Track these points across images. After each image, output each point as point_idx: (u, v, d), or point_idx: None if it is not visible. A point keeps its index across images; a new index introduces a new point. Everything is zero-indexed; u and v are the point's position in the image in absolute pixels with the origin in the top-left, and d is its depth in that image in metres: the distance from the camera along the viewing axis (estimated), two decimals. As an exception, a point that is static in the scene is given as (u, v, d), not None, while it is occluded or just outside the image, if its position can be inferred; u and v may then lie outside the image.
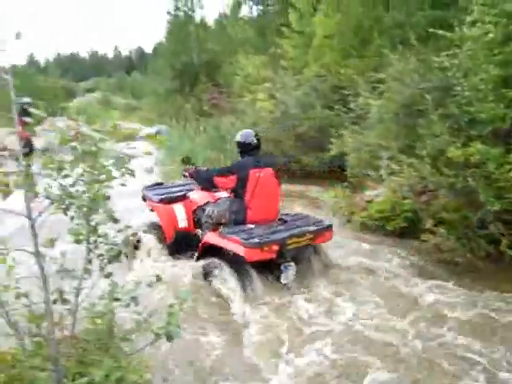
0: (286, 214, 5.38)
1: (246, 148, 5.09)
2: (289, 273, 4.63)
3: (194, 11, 24.42)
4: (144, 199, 6.11)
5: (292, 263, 4.67)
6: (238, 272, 4.53)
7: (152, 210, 5.98)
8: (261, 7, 24.32)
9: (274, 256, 4.45)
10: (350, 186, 7.39)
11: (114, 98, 45.20)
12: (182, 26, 23.88)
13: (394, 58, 7.36)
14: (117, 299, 1.84)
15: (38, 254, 1.81)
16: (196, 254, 5.11)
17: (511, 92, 4.87)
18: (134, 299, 1.84)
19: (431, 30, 5.95)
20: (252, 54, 16.33)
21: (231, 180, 4.99)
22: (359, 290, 4.70)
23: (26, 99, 14.59)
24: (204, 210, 5.38)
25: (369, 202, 6.95)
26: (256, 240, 4.33)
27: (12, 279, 2.13)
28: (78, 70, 70.96)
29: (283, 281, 4.63)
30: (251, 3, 26.85)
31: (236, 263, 4.55)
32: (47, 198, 1.87)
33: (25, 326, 2.04)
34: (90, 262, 1.98)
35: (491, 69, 4.95)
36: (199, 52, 23.51)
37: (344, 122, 9.16)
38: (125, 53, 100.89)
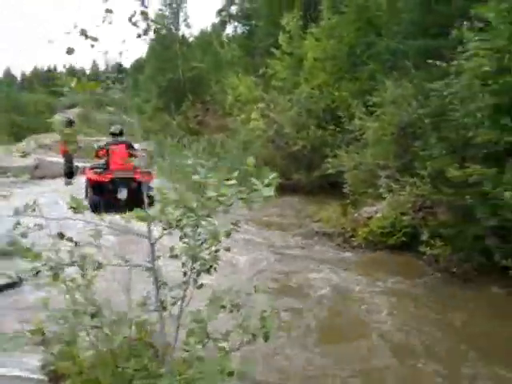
0: None
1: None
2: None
3: (178, 29, 24.97)
4: None
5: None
6: None
7: None
8: (247, 27, 25.02)
9: None
10: (351, 203, 7.85)
11: (94, 113, 45.10)
12: (166, 44, 24.32)
13: (389, 84, 7.88)
14: (223, 306, 2.18)
15: (154, 270, 2.15)
16: None
17: (505, 119, 5.37)
18: (237, 306, 2.18)
19: (429, 60, 6.47)
20: (240, 74, 16.80)
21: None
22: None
23: (69, 116, 14.77)
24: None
25: (368, 218, 7.39)
26: None
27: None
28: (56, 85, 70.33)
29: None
30: (235, 23, 27.57)
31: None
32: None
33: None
34: (184, 274, 2.33)
35: (487, 98, 5.46)
36: (184, 69, 23.94)
37: (338, 142, 9.67)
38: (102, 67, 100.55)
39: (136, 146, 11.01)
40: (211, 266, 2.36)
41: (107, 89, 2.31)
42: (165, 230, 2.16)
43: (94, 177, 9.57)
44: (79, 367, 3.01)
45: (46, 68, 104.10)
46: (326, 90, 11.09)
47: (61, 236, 2.13)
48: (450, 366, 3.86)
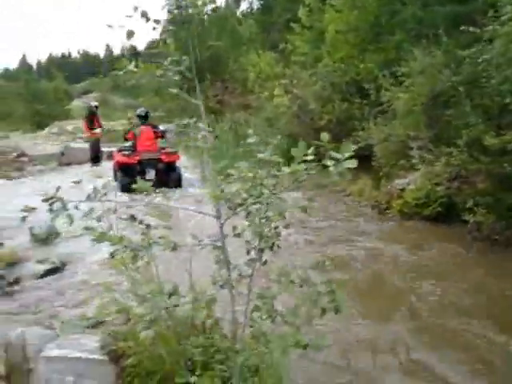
0: None
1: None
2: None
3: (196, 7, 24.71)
4: None
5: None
6: None
7: None
8: (261, 2, 24.73)
9: None
10: (383, 175, 7.81)
11: (112, 97, 45.30)
12: (182, 23, 24.12)
13: (418, 53, 7.75)
14: (292, 281, 2.22)
15: (223, 249, 2.18)
16: None
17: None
18: (306, 280, 2.21)
19: (461, 27, 6.33)
20: (257, 50, 16.66)
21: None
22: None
23: (94, 103, 15.00)
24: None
25: (401, 190, 7.36)
26: None
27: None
28: (71, 71, 70.51)
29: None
30: (250, -1, 27.27)
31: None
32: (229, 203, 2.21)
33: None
34: (247, 252, 2.37)
35: (522, 62, 5.36)
36: (201, 49, 23.78)
37: (365, 114, 9.57)
38: (116, 51, 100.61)
39: (161, 127, 11.57)
40: (274, 243, 2.39)
41: (166, 70, 2.33)
42: (230, 209, 2.19)
43: (122, 159, 10.13)
44: (142, 346, 3.11)
45: (60, 55, 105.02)
46: (349, 62, 10.95)
47: (132, 218, 2.17)
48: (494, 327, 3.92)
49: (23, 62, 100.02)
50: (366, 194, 7.84)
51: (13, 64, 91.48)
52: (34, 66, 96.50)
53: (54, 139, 18.22)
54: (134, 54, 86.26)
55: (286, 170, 1.88)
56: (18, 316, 4.39)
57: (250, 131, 2.27)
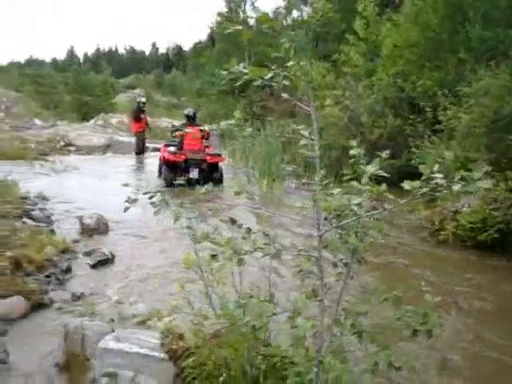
0: None
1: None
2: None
3: (245, 13, 24.95)
4: None
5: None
6: None
7: None
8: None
9: None
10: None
11: (155, 94, 45.97)
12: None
13: (482, 73, 7.57)
14: (385, 299, 2.15)
15: (319, 260, 2.12)
16: None
17: None
18: (398, 299, 2.14)
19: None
20: (309, 59, 16.57)
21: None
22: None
23: (142, 98, 15.38)
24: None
25: (455, 212, 7.16)
26: None
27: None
28: (116, 66, 71.76)
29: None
30: (302, 7, 27.21)
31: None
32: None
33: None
34: (334, 265, 2.31)
35: None
36: (250, 54, 23.98)
37: (420, 132, 9.42)
38: (161, 50, 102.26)
39: (207, 128, 11.96)
40: (363, 258, 2.33)
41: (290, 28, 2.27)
42: (325, 219, 2.13)
43: (169, 156, 10.65)
44: (208, 346, 3.07)
45: (107, 49, 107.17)
46: (406, 78, 10.80)
47: (232, 221, 2.13)
48: None
49: (71, 53, 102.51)
50: (417, 211, 7.65)
51: (60, 55, 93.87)
52: (81, 58, 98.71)
53: (100, 131, 18.52)
54: (178, 53, 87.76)
55: (405, 185, 1.82)
56: (71, 305, 4.43)
57: (354, 143, 2.20)
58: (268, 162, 9.97)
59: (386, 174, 2.11)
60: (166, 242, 6.52)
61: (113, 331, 3.81)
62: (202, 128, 11.39)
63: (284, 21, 27.86)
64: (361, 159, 2.18)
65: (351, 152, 2.25)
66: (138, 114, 14.60)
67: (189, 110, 11.88)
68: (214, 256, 1.92)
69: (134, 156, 14.83)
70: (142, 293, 4.79)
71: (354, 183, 2.01)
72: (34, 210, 7.41)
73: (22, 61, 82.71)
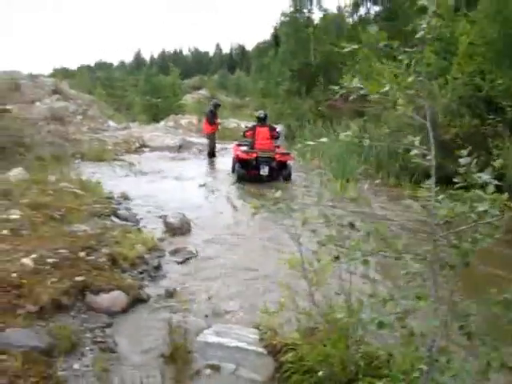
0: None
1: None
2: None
3: (312, 12, 24.91)
4: None
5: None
6: None
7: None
8: (379, 7, 24.41)
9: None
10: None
11: (220, 95, 46.63)
12: (300, 27, 24.36)
13: None
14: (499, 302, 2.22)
15: (433, 263, 2.22)
16: None
17: None
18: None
19: None
20: (380, 58, 16.39)
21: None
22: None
23: (217, 101, 15.96)
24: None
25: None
26: None
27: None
28: (181, 67, 73.32)
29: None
30: (369, 4, 26.95)
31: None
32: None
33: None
34: (442, 267, 2.40)
35: None
36: (316, 53, 23.91)
37: (500, 132, 9.20)
38: (225, 50, 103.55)
39: (278, 128, 13.34)
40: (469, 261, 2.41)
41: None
42: (436, 225, 2.22)
43: (241, 155, 11.55)
44: (308, 342, 3.23)
45: (172, 51, 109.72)
46: (483, 76, 10.54)
47: (351, 226, 2.27)
48: None
49: (138, 56, 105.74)
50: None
51: (128, 58, 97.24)
52: (148, 61, 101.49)
53: (172, 132, 19.11)
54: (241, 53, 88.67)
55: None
56: (166, 301, 4.70)
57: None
58: (342, 163, 10.01)
59: (499, 183, 2.18)
60: (246, 241, 6.76)
61: (210, 326, 4.06)
62: (272, 127, 12.34)
63: (350, 18, 27.76)
64: (471, 168, 2.27)
65: (461, 160, 2.34)
66: (212, 116, 15.05)
67: (260, 112, 12.75)
68: (337, 258, 2.06)
69: (205, 156, 15.26)
70: (231, 289, 5.03)
71: (479, 192, 2.09)
72: (119, 209, 7.84)
73: (92, 64, 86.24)
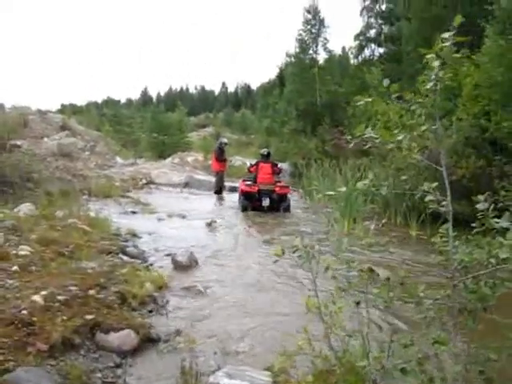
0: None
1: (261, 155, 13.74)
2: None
3: (317, 54, 25.45)
4: None
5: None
6: None
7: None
8: (383, 49, 24.93)
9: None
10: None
11: (225, 133, 47.07)
12: (305, 68, 24.84)
13: None
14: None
15: (453, 308, 2.23)
16: None
17: None
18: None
19: None
20: (385, 99, 16.63)
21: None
22: None
23: (224, 139, 16.23)
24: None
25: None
26: None
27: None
28: (187, 105, 74.42)
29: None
30: (373, 45, 27.54)
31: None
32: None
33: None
34: (460, 311, 2.42)
35: None
36: (321, 93, 24.32)
37: (505, 172, 9.26)
38: (230, 89, 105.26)
39: (280, 165, 14.97)
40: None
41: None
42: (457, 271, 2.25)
43: (245, 188, 13.13)
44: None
45: (179, 88, 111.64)
46: (488, 117, 10.68)
47: (370, 270, 2.29)
48: None
49: (144, 93, 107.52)
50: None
51: (134, 95, 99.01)
52: (154, 98, 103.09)
53: (178, 169, 19.25)
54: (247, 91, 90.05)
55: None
56: (176, 340, 4.66)
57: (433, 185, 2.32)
58: (349, 202, 10.05)
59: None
60: (256, 280, 6.74)
61: (220, 368, 4.01)
62: (274, 164, 13.89)
63: (355, 59, 28.30)
64: (490, 213, 2.30)
65: (478, 206, 2.38)
66: (221, 153, 15.39)
67: (264, 150, 14.32)
68: (358, 303, 2.08)
69: (212, 194, 15.41)
70: (242, 329, 4.99)
71: (501, 239, 2.12)
72: (127, 246, 7.84)
73: (99, 101, 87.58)
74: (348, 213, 9.86)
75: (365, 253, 7.27)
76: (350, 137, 2.54)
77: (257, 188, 12.93)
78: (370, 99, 2.53)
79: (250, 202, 12.87)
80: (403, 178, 10.51)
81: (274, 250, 2.50)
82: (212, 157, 16.44)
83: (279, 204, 12.84)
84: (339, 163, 15.91)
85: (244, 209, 12.77)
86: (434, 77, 2.48)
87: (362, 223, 9.64)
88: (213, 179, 16.49)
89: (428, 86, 2.54)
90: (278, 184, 13.48)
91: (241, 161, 23.47)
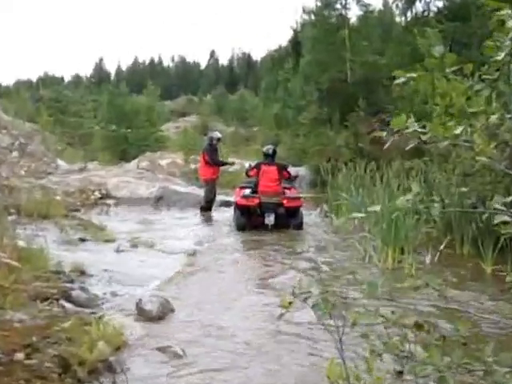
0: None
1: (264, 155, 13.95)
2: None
3: (349, 8, 25.27)
4: None
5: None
6: None
7: None
8: (442, 1, 24.89)
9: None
10: None
11: (215, 124, 46.86)
12: (331, 30, 24.75)
13: None
14: None
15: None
16: None
17: None
18: None
19: None
20: (444, 72, 16.62)
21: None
22: None
23: (217, 134, 16.15)
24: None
25: None
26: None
27: None
28: (160, 84, 74.38)
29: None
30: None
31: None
32: None
33: None
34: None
35: None
36: (354, 66, 24.00)
37: None
38: (223, 61, 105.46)
39: (291, 169, 14.74)
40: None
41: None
42: None
43: (241, 201, 13.14)
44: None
45: (148, 60, 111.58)
46: None
47: (418, 327, 2.30)
48: None
49: (99, 67, 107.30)
50: None
51: (85, 70, 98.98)
52: (112, 74, 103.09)
53: (147, 177, 19.27)
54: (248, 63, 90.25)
55: None
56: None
57: None
58: (394, 223, 9.96)
59: None
60: (251, 336, 6.71)
61: None
62: (283, 166, 13.77)
63: (403, 17, 28.29)
64: None
65: None
66: (214, 154, 15.23)
67: (268, 148, 14.30)
68: (400, 372, 2.08)
69: (197, 211, 15.38)
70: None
71: None
72: (73, 289, 7.83)
73: (34, 78, 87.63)
74: (393, 239, 9.80)
75: (413, 298, 7.21)
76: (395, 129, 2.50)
77: (258, 200, 12.91)
78: (414, 74, 2.48)
79: (249, 219, 12.99)
80: (463, 189, 10.53)
81: (281, 300, 2.51)
82: (200, 159, 16.07)
83: (288, 220, 12.96)
84: (380, 166, 15.88)
85: (240, 228, 12.88)
86: (508, 42, 2.45)
87: (413, 254, 9.62)
88: (199, 191, 16.46)
89: (499, 57, 2.51)
90: (287, 193, 13.59)
91: (238, 164, 23.39)
